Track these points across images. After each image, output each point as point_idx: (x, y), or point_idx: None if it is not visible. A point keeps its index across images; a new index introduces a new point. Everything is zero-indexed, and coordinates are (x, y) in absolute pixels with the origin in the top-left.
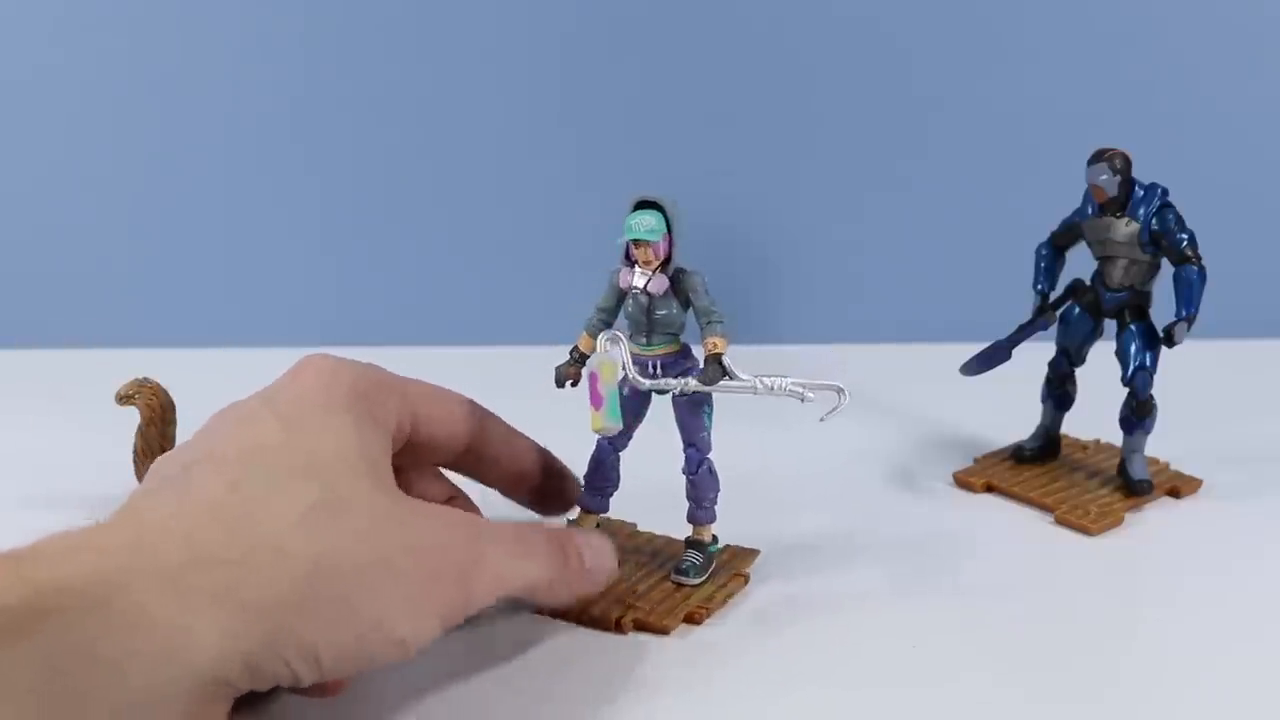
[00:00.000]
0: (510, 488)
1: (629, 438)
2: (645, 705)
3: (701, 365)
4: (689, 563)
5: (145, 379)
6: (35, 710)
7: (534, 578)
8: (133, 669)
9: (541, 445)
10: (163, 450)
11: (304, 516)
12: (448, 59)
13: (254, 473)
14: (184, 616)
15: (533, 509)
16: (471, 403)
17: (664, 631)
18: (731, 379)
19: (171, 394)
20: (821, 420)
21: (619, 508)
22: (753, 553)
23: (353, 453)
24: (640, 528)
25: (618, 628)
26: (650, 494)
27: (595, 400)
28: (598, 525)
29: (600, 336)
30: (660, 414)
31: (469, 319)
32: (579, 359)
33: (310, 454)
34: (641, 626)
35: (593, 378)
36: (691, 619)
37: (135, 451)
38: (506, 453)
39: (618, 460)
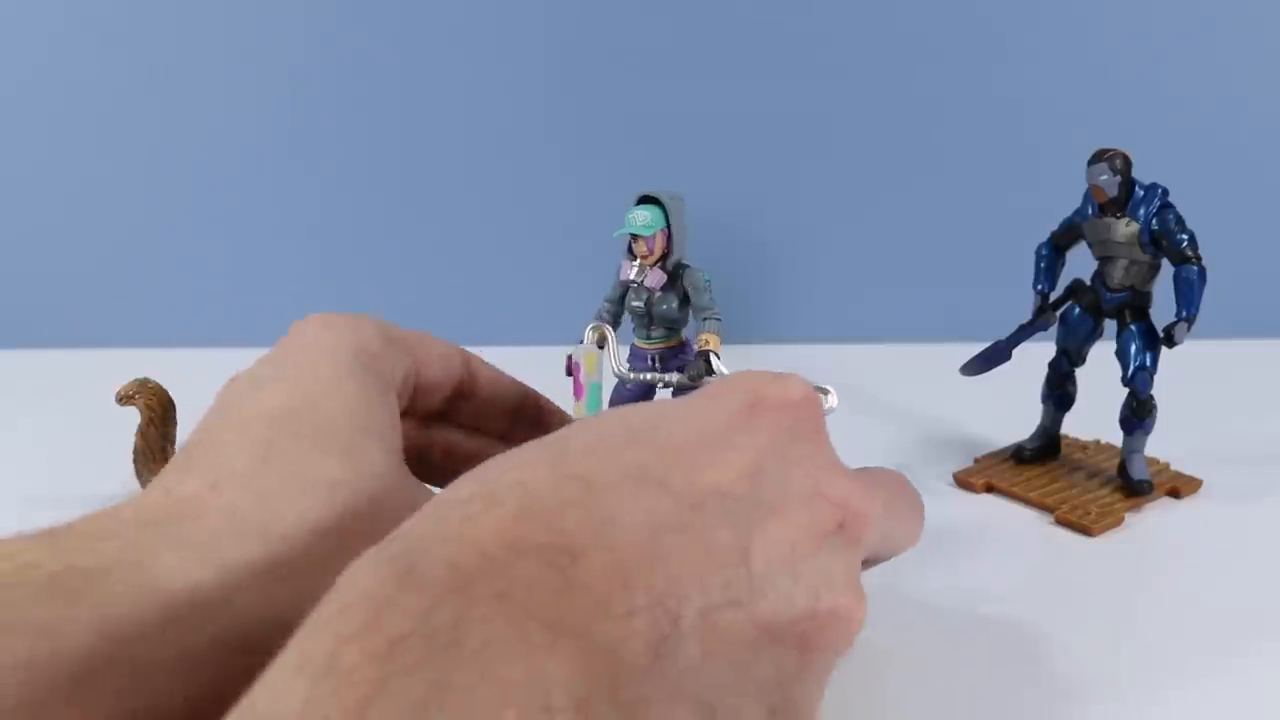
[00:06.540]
0: (491, 427)
1: None
2: None
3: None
4: None
5: (145, 379)
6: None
7: None
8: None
9: (522, 384)
10: (163, 450)
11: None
12: (447, 60)
13: (279, 444)
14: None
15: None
16: (459, 349)
17: None
18: (715, 375)
19: (171, 394)
20: None
21: None
22: None
23: (367, 422)
24: None
25: None
26: None
27: (577, 391)
28: None
29: (587, 328)
30: None
31: (469, 319)
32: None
33: (328, 422)
34: None
35: (576, 368)
36: None
37: (135, 451)
38: (491, 393)
39: None
